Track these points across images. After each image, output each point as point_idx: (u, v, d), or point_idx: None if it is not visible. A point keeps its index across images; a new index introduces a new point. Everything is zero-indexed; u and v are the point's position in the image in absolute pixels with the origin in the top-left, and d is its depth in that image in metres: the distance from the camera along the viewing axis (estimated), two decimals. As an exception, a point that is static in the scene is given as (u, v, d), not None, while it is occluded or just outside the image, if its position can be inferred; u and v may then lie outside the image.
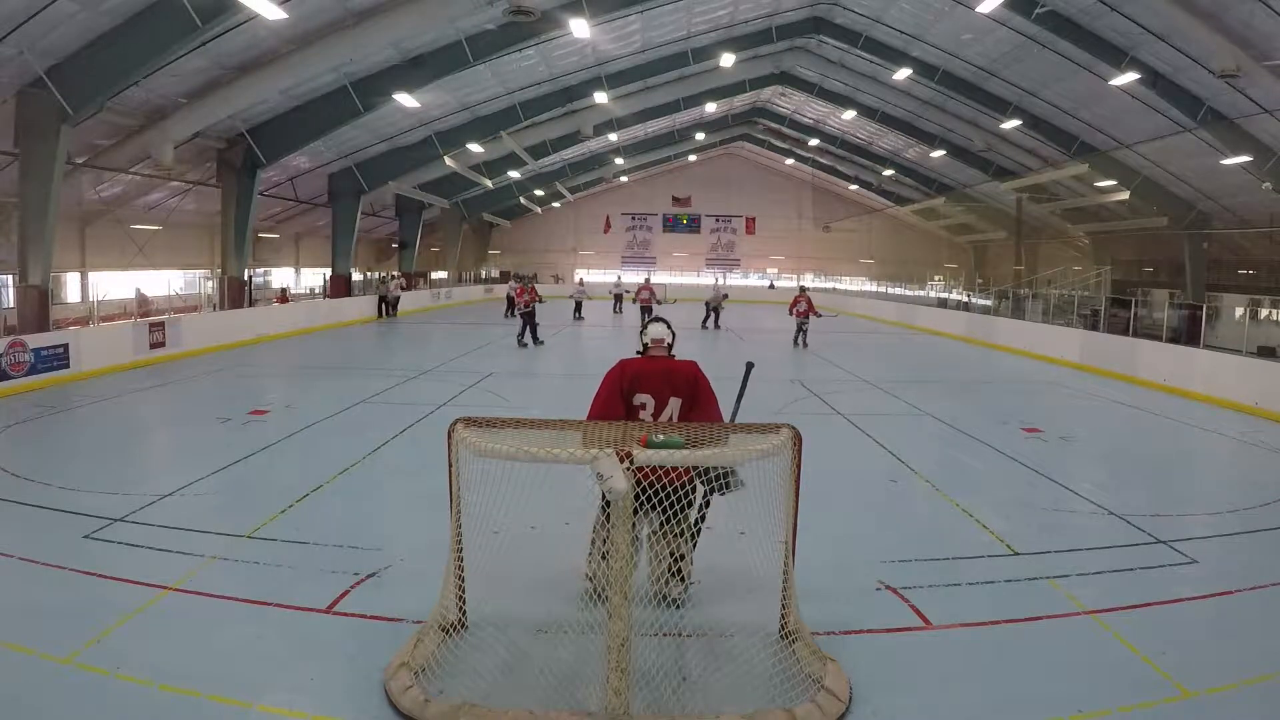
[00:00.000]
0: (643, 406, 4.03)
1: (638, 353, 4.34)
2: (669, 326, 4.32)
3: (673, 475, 3.59)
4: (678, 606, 3.98)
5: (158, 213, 21.89)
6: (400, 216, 29.43)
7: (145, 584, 4.28)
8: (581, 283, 27.32)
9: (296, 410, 9.33)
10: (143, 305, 18.37)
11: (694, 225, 43.11)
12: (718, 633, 3.82)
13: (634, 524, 3.75)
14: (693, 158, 40.37)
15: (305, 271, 32.88)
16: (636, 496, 3.59)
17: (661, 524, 3.94)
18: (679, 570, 4.00)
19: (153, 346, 13.09)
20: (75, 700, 3.22)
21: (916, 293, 34.60)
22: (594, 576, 3.96)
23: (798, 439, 3.61)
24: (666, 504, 3.59)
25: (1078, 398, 11.89)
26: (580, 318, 24.07)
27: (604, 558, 3.77)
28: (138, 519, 5.33)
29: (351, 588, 4.33)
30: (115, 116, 14.55)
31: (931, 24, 18.78)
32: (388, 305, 23.79)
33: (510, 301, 21.86)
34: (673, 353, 4.35)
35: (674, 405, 4.05)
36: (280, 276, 31.43)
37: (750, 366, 4.74)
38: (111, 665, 3.44)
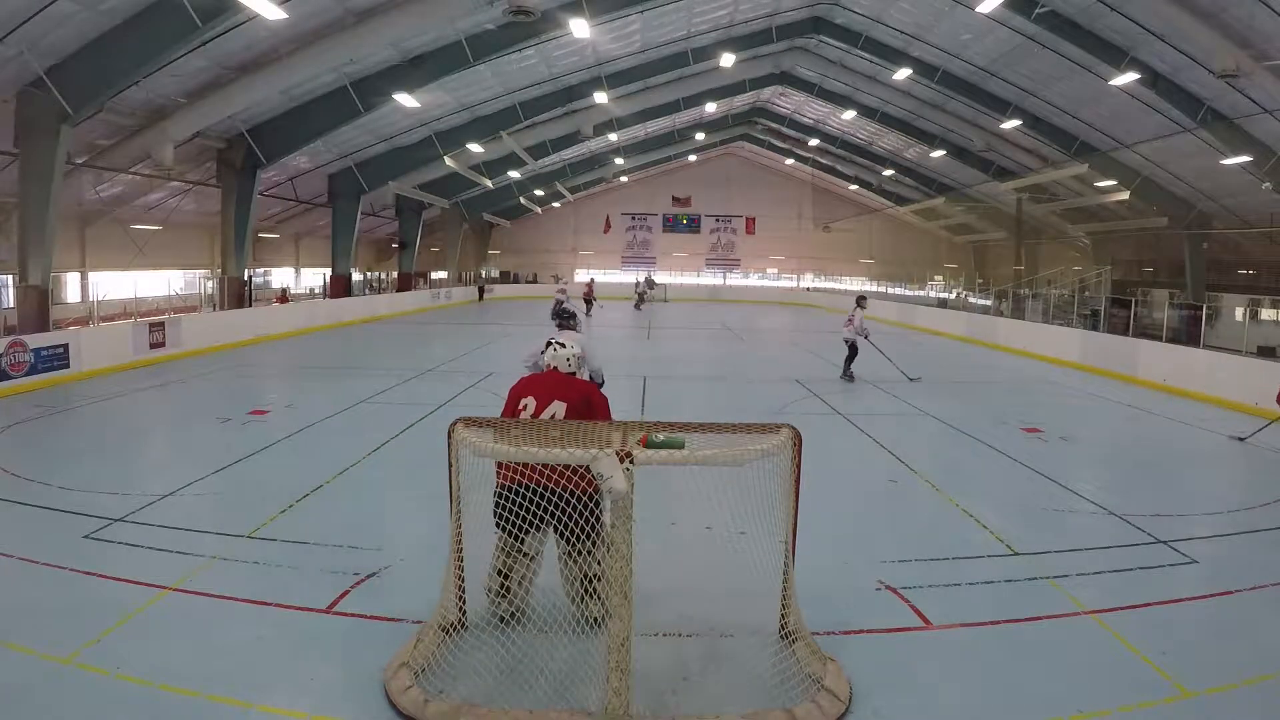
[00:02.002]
0: (524, 408, 4.01)
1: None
2: (569, 357, 4.20)
3: (570, 480, 3.46)
4: (599, 625, 3.60)
5: (158, 213, 21.89)
6: (400, 216, 29.41)
7: (145, 584, 4.28)
8: (647, 278, 34.25)
9: (296, 410, 9.33)
10: None
11: (694, 225, 43.04)
12: (718, 633, 3.82)
13: (524, 539, 3.65)
14: (692, 158, 40.31)
15: (305, 271, 32.88)
16: (525, 503, 3.48)
17: (567, 548, 3.79)
18: (593, 591, 3.74)
19: (153, 346, 13.10)
20: (75, 700, 3.22)
21: (916, 292, 34.56)
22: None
23: (798, 439, 3.61)
24: (565, 518, 3.47)
25: (1078, 398, 11.88)
26: (639, 309, 29.79)
27: (502, 578, 3.82)
28: (137, 519, 5.33)
29: (351, 588, 4.33)
30: (115, 116, 14.55)
31: (931, 24, 18.77)
32: None
33: (588, 302, 25.52)
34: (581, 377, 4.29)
35: (557, 407, 3.96)
36: (280, 276, 31.44)
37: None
38: (111, 665, 3.45)
